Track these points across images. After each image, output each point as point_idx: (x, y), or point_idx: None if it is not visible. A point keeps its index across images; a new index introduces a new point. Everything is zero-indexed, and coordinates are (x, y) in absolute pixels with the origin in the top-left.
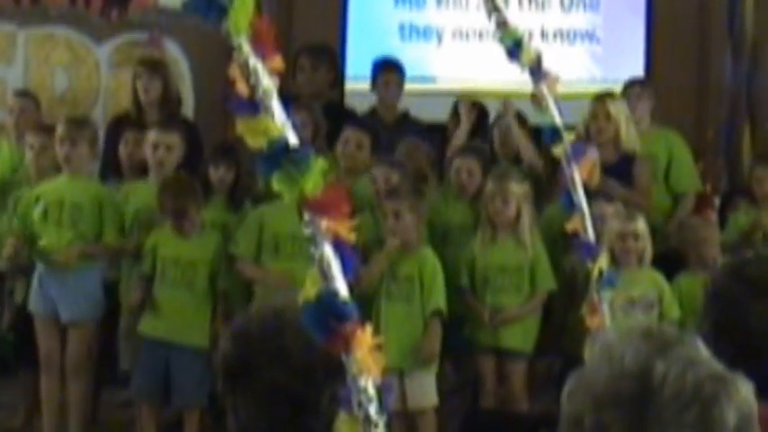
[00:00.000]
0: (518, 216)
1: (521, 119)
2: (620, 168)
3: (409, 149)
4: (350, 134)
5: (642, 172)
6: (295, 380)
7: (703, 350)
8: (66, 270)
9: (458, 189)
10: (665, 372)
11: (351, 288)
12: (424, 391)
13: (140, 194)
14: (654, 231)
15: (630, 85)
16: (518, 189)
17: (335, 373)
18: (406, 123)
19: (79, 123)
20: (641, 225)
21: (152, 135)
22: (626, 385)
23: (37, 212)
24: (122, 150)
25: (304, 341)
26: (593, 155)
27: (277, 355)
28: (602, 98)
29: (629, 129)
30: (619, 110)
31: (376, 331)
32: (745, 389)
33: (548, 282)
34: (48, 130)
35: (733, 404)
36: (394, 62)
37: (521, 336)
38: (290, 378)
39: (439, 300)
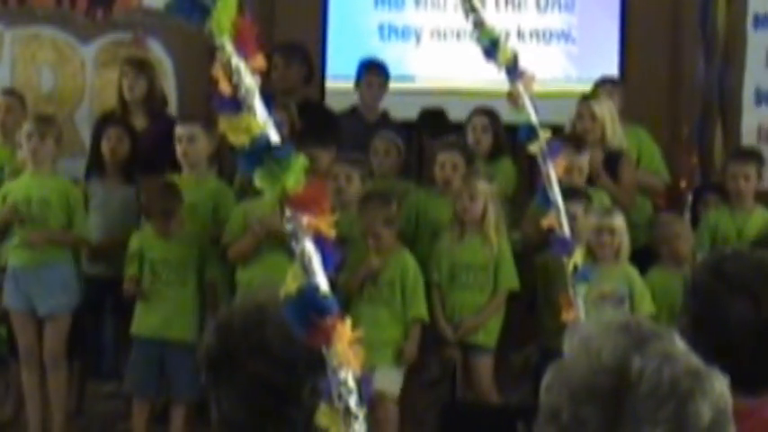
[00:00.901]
0: (484, 214)
1: (494, 117)
2: (606, 166)
3: (387, 146)
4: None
5: (627, 169)
6: (276, 372)
7: (680, 344)
8: (39, 264)
9: (442, 184)
10: (641, 367)
11: (331, 283)
12: (388, 379)
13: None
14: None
15: (602, 83)
16: (485, 187)
17: (316, 365)
18: (385, 123)
19: (46, 120)
20: (618, 221)
21: (177, 129)
22: (603, 380)
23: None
24: (104, 147)
25: (285, 334)
26: (584, 157)
27: (259, 348)
28: (586, 99)
29: (614, 127)
30: (603, 109)
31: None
32: (720, 384)
33: (510, 281)
34: None
35: (708, 400)
36: (379, 63)
37: (482, 332)
38: (272, 370)
39: (421, 307)
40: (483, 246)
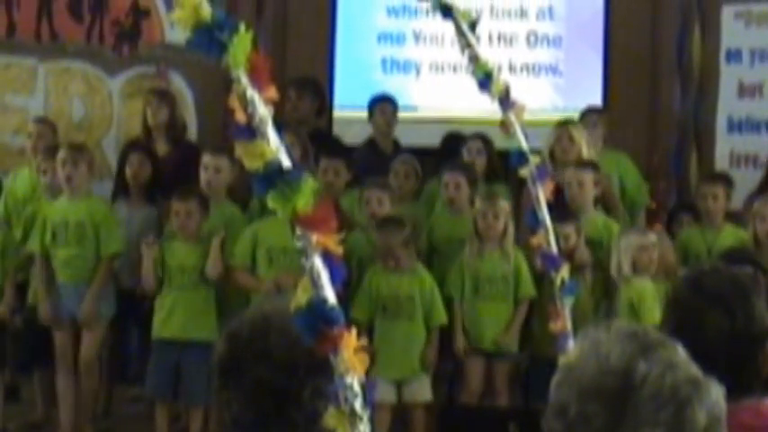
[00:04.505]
0: (505, 230)
1: (487, 142)
2: None
3: (407, 169)
4: (326, 163)
5: (607, 188)
6: (279, 376)
7: (682, 354)
8: (82, 282)
9: (447, 202)
10: (646, 372)
11: (338, 296)
12: (420, 387)
13: None
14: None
15: (588, 112)
16: (506, 206)
17: (316, 369)
18: (398, 151)
19: (78, 148)
20: (654, 237)
21: (204, 158)
22: (610, 381)
23: (48, 236)
24: (128, 171)
25: (288, 342)
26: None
27: (263, 354)
28: (564, 124)
29: (589, 150)
30: (580, 134)
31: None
32: (716, 393)
33: (529, 289)
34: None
35: (705, 407)
36: (388, 97)
37: (508, 338)
38: (274, 374)
39: (443, 315)
40: (502, 259)
